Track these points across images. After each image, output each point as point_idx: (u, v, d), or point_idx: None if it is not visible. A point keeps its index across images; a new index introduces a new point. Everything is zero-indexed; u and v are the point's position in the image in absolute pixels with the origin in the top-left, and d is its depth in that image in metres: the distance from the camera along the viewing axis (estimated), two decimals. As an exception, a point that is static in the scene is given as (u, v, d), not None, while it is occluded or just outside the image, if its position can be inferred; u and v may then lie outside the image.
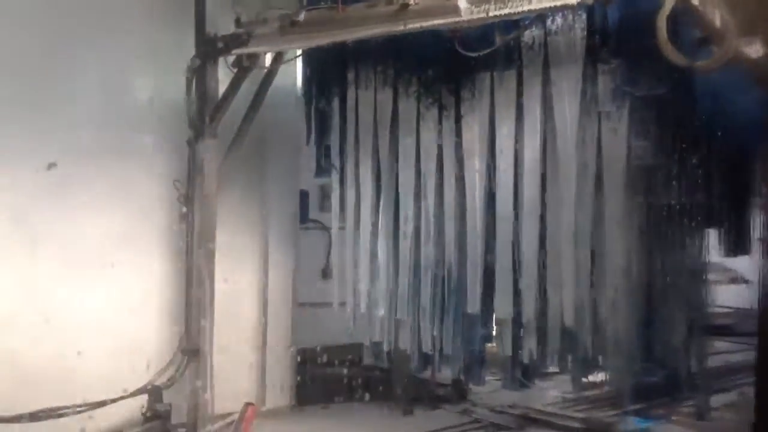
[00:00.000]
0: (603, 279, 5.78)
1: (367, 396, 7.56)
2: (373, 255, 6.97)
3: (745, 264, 7.62)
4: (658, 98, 5.43)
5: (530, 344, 6.18)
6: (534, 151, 5.97)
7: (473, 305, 6.45)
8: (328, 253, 7.90)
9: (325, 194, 8.04)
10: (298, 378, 7.53)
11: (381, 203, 6.90)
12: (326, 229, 7.99)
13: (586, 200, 5.79)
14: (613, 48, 5.69)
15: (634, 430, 6.95)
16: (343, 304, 7.25)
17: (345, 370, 7.74)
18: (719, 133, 5.53)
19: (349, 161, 6.99)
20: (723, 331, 9.06)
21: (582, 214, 5.81)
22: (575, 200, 5.80)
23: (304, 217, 7.93)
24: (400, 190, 6.82)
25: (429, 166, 6.60)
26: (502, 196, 6.21)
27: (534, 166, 5.97)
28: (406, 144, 6.69)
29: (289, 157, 7.45)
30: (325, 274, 8.01)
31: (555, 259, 5.95)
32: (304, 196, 7.90)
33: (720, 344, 8.28)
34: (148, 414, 5.87)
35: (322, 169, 7.38)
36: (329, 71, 7.10)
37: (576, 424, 6.98)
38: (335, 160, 7.14)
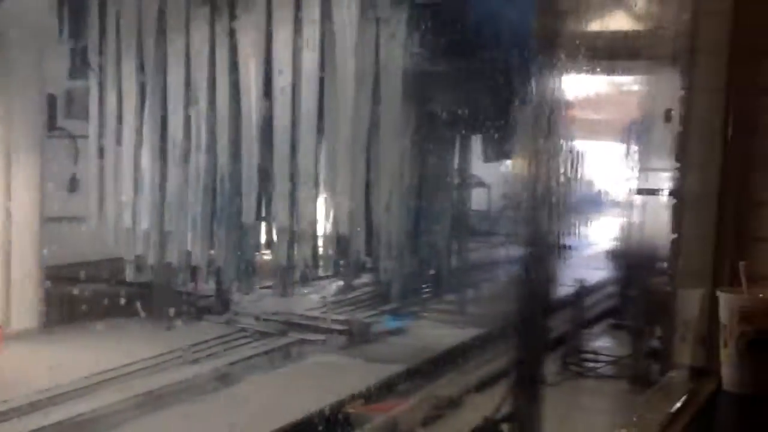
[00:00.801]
0: (378, 185, 5.93)
1: (128, 313, 7.24)
2: (137, 165, 6.57)
3: (491, 169, 8.10)
4: (434, 5, 5.53)
5: (305, 251, 6.23)
6: (312, 56, 5.88)
7: (248, 215, 6.35)
8: (75, 164, 7.32)
9: (72, 98, 7.36)
10: (48, 297, 7.02)
11: (146, 108, 6.49)
12: (73, 137, 7.36)
13: (362, 107, 5.84)
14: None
15: (389, 328, 7.29)
16: (101, 217, 6.80)
17: (103, 287, 7.33)
18: (489, 44, 5.76)
19: (109, 62, 6.45)
20: (475, 232, 9.70)
21: (358, 122, 5.87)
22: (352, 107, 5.83)
23: (51, 124, 7.23)
24: (168, 94, 6.44)
25: (201, 70, 6.28)
26: (279, 103, 6.09)
27: (312, 72, 5.89)
28: (176, 45, 6.29)
29: (35, 56, 6.70)
30: (72, 186, 7.42)
31: (331, 167, 5.99)
32: (51, 100, 7.18)
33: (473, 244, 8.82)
34: None
35: (77, 71, 6.74)
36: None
37: (336, 326, 7.20)
38: (93, 60, 6.54)
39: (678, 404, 1.85)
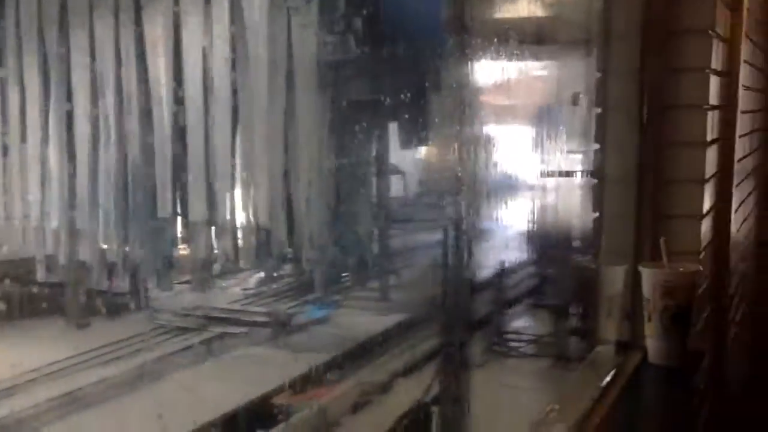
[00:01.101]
0: (296, 175, 5.89)
1: (40, 314, 7.00)
2: (44, 161, 6.34)
3: (415, 155, 8.15)
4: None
5: (224, 244, 6.15)
6: (223, 46, 5.78)
7: (163, 209, 6.21)
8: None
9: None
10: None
11: (51, 103, 6.25)
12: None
13: (277, 98, 5.78)
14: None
15: (312, 318, 7.28)
16: (7, 216, 6.54)
17: (14, 288, 7.06)
18: (402, 31, 5.79)
19: (9, 56, 6.18)
20: (394, 218, 9.75)
21: (274, 112, 5.81)
22: (267, 97, 5.77)
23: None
24: (73, 87, 6.22)
25: (107, 61, 6.08)
26: (190, 94, 5.96)
27: (224, 62, 5.80)
28: (78, 37, 6.07)
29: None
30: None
31: (248, 158, 5.92)
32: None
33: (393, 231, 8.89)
34: None
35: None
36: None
37: (258, 318, 7.16)
38: (-9, 54, 6.28)
39: (607, 378, 1.90)
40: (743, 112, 2.76)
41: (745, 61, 2.57)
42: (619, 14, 2.03)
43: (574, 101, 2.43)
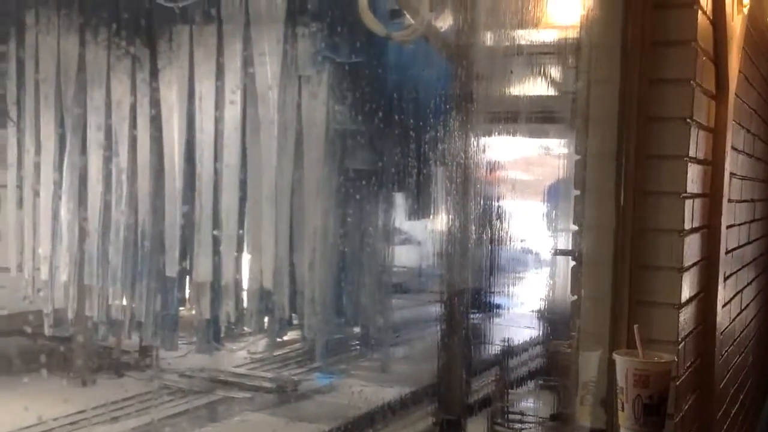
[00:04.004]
0: (301, 242, 5.91)
1: (45, 367, 6.98)
2: (56, 216, 6.43)
3: (418, 226, 8.18)
4: (356, 65, 5.62)
5: (228, 307, 6.14)
6: (234, 112, 5.88)
7: (170, 268, 6.24)
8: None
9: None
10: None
11: (66, 160, 6.37)
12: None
13: (285, 164, 5.85)
14: (313, 12, 5.76)
15: (317, 386, 7.20)
16: (19, 269, 6.61)
17: (21, 341, 7.07)
18: (409, 103, 5.87)
19: (27, 112, 6.34)
20: (398, 289, 9.72)
21: (282, 178, 5.86)
22: (276, 163, 5.83)
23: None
24: (88, 146, 6.34)
25: (121, 122, 6.21)
26: (201, 157, 6.05)
27: (235, 127, 5.89)
28: (95, 97, 6.22)
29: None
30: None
31: (255, 222, 5.96)
32: (-30, 150, 7.02)
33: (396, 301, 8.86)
34: None
35: (-1, 119, 6.62)
36: (2, 10, 6.36)
37: (264, 384, 7.08)
38: (11, 110, 6.43)
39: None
40: (735, 201, 2.73)
41: (734, 149, 2.55)
42: (597, 97, 2.03)
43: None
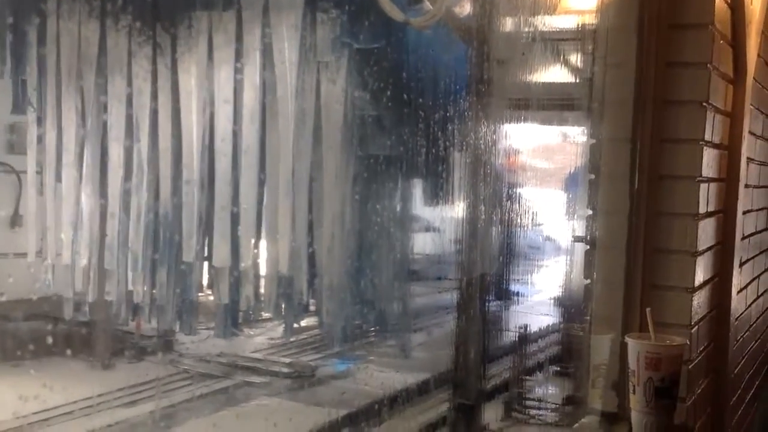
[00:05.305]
0: (320, 227, 5.93)
1: (66, 351, 7.07)
2: (77, 201, 6.49)
3: (436, 213, 8.16)
4: (374, 51, 5.62)
5: (247, 291, 6.18)
6: (253, 97, 5.90)
7: (189, 253, 6.28)
8: (18, 200, 7.22)
9: (15, 133, 7.29)
10: (-20, 335, 6.83)
11: (87, 145, 6.43)
12: (16, 172, 7.27)
13: (304, 149, 5.86)
14: (333, -3, 5.77)
15: (335, 372, 7.24)
16: (39, 254, 6.68)
17: (42, 325, 7.15)
18: (428, 89, 5.85)
19: (49, 99, 6.39)
20: (416, 276, 9.72)
21: (300, 163, 5.88)
22: (294, 149, 5.85)
23: (-9, 159, 7.15)
24: (109, 131, 6.39)
25: (142, 108, 6.24)
26: (220, 142, 6.08)
27: (253, 113, 5.91)
28: (116, 83, 6.27)
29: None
30: (14, 222, 7.32)
31: (273, 208, 5.98)
32: (-9, 135, 7.12)
33: (414, 288, 8.87)
34: None
35: (18, 107, 6.67)
36: (24, -3, 6.42)
37: (282, 369, 7.14)
38: (32, 96, 6.49)
39: (583, 451, 1.86)
40: (752, 186, 2.72)
41: (752, 134, 2.54)
42: (612, 82, 2.03)
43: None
